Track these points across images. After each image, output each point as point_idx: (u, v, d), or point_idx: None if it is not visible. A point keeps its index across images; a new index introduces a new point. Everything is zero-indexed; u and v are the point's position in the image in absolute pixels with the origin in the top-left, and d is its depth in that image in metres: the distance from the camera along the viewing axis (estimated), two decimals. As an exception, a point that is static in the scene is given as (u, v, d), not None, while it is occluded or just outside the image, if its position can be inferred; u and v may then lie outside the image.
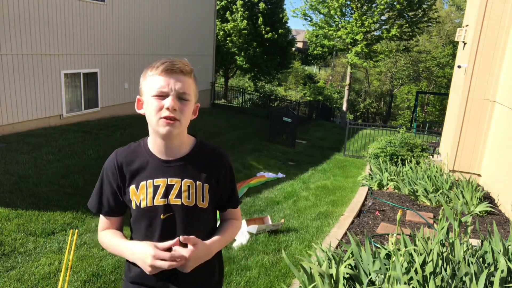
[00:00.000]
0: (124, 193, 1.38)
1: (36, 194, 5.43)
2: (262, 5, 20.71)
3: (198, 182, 1.35)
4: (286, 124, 12.84)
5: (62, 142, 8.28)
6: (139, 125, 11.22)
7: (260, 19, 20.72)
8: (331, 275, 2.73)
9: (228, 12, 20.96)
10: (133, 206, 1.36)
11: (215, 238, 1.40)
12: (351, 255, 3.04)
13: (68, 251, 2.84)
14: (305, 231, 4.61)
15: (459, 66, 7.78)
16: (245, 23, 20.27)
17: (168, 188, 1.34)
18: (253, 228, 4.43)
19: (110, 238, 1.41)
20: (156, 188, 1.34)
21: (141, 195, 1.34)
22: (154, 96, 1.27)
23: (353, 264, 2.95)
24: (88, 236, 4.34)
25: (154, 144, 1.37)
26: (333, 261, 2.93)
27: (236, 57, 21.98)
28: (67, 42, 10.05)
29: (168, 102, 1.25)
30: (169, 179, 1.34)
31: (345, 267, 2.82)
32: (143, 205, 1.34)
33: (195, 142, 1.42)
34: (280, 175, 8.20)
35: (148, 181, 1.34)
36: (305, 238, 4.39)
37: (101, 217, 1.45)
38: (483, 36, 6.23)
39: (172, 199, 1.34)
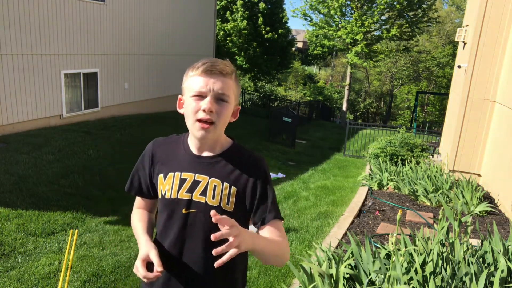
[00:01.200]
0: (153, 180, 1.42)
1: (36, 194, 5.43)
2: (262, 5, 20.71)
3: (225, 184, 1.32)
4: (286, 124, 12.85)
5: (62, 142, 8.28)
6: (139, 125, 11.22)
7: (260, 19, 20.72)
8: (331, 275, 2.73)
9: (228, 12, 20.96)
10: (159, 195, 1.40)
11: (260, 235, 1.31)
12: (351, 255, 3.04)
13: (68, 251, 2.84)
14: (305, 231, 4.61)
15: (459, 66, 7.78)
16: (245, 23, 20.27)
17: (194, 184, 1.33)
18: (253, 228, 4.43)
19: (136, 222, 1.47)
20: (182, 181, 1.34)
21: (167, 185, 1.36)
22: (192, 96, 1.27)
23: (353, 264, 2.95)
24: (88, 236, 4.35)
25: (190, 139, 1.39)
26: (333, 261, 2.93)
27: (236, 57, 21.98)
28: (67, 42, 10.05)
29: (205, 103, 1.24)
30: (196, 174, 1.33)
31: (345, 267, 2.82)
32: (167, 196, 1.35)
33: (231, 144, 1.41)
34: (280, 175, 8.20)
35: (176, 173, 1.35)
36: (305, 238, 4.39)
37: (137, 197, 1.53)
38: (483, 36, 6.23)
39: (197, 196, 1.32)
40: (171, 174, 1.36)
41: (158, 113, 13.74)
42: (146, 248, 1.31)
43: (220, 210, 1.32)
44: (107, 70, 11.67)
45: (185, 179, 1.34)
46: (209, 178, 1.33)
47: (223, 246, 1.06)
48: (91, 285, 3.32)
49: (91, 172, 6.66)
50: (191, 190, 1.33)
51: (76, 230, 2.87)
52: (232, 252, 1.07)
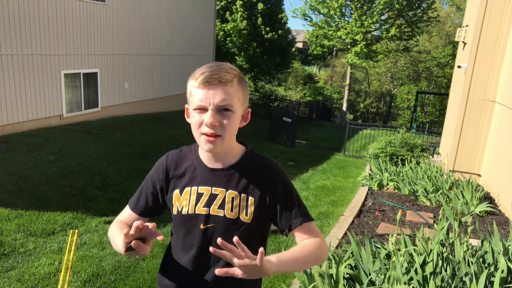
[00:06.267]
0: (167, 196, 1.37)
1: (36, 194, 5.43)
2: (260, 5, 20.70)
3: (243, 195, 1.29)
4: (286, 124, 12.85)
5: (62, 142, 8.28)
6: (139, 125, 11.23)
7: (259, 20, 20.73)
8: (331, 275, 2.73)
9: (228, 13, 20.97)
10: (175, 212, 1.34)
11: (275, 255, 1.21)
12: (351, 255, 3.04)
13: (68, 251, 2.84)
14: (305, 231, 4.61)
15: (459, 66, 7.79)
16: (245, 23, 20.27)
17: (212, 197, 1.30)
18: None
19: (118, 230, 1.33)
20: (199, 196, 1.31)
21: (183, 201, 1.32)
22: (194, 109, 1.22)
23: (353, 264, 2.95)
24: (88, 236, 4.35)
25: (202, 151, 1.34)
26: (333, 261, 2.93)
27: (236, 57, 21.99)
28: (67, 42, 10.05)
29: (207, 118, 1.19)
30: (213, 188, 1.30)
31: (345, 267, 2.82)
32: (184, 211, 1.31)
33: (244, 152, 1.36)
34: (280, 175, 8.19)
35: (193, 187, 1.32)
36: (305, 238, 4.38)
37: (126, 209, 1.42)
38: (483, 36, 6.23)
39: (214, 210, 1.29)
40: (187, 189, 1.32)
41: (158, 113, 13.74)
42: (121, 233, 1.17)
43: (239, 222, 1.29)
44: (107, 70, 11.67)
45: (202, 194, 1.30)
46: (226, 191, 1.29)
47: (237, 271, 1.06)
48: (91, 285, 3.32)
49: (91, 172, 6.66)
50: (208, 204, 1.30)
51: (76, 230, 2.87)
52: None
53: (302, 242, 1.31)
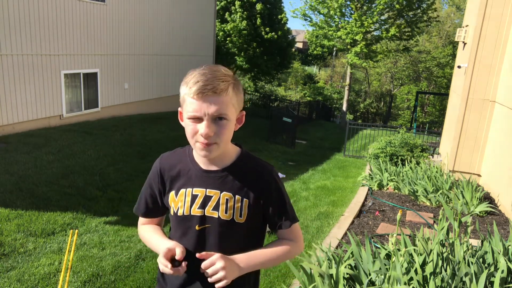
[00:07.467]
0: (164, 197, 1.39)
1: (36, 194, 5.43)
2: (259, 6, 20.70)
3: (237, 196, 1.31)
4: (286, 124, 12.85)
5: (62, 142, 8.28)
6: (139, 125, 11.22)
7: (258, 20, 20.73)
8: (331, 275, 2.73)
9: (227, 13, 20.97)
10: (171, 212, 1.37)
11: (249, 252, 1.32)
12: (351, 255, 3.04)
13: (68, 251, 2.84)
14: (305, 231, 4.62)
15: (459, 66, 7.78)
16: (245, 24, 20.27)
17: (206, 199, 1.31)
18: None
19: (149, 233, 1.44)
20: (194, 197, 1.32)
21: (179, 202, 1.34)
22: (189, 118, 1.21)
23: (353, 264, 2.95)
24: (88, 236, 4.35)
25: (196, 153, 1.35)
26: (333, 261, 2.93)
27: (236, 57, 21.98)
28: (67, 42, 10.05)
29: (202, 128, 1.19)
30: (207, 190, 1.31)
31: (345, 267, 2.82)
32: (180, 212, 1.33)
33: (239, 153, 1.36)
34: (280, 175, 8.19)
35: (188, 189, 1.33)
36: (305, 238, 4.39)
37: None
38: (483, 36, 6.23)
39: (209, 211, 1.31)
40: (182, 190, 1.34)
41: (158, 113, 13.74)
42: (172, 243, 1.28)
43: (233, 223, 1.31)
44: (107, 70, 11.67)
45: (197, 195, 1.32)
46: (221, 193, 1.30)
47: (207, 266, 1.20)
48: (91, 285, 3.32)
49: (91, 172, 6.66)
50: (203, 205, 1.31)
51: (76, 230, 2.87)
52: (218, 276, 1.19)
53: (280, 241, 1.40)
